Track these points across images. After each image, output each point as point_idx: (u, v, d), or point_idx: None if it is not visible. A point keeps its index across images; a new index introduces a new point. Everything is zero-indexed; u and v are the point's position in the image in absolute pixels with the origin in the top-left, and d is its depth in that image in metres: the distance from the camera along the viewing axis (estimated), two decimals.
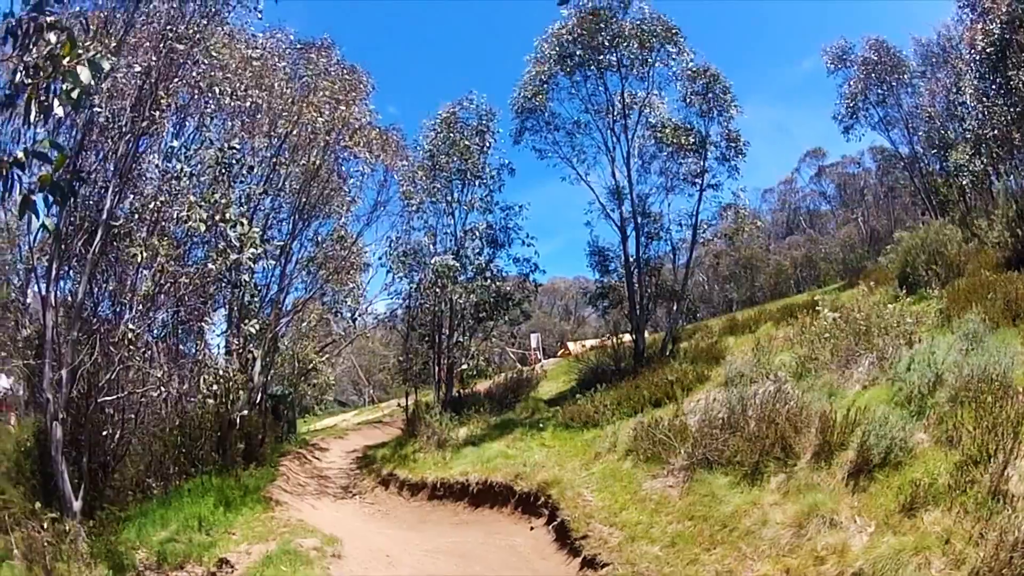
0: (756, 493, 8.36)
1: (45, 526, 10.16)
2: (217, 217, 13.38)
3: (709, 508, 8.57)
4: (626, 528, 9.11)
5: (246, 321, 15.19)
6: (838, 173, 63.47)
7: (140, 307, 13.20)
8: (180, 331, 16.16)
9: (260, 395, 18.78)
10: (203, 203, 13.41)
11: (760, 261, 54.64)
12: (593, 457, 12.41)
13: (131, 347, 12.35)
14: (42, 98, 4.19)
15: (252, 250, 13.77)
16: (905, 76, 30.80)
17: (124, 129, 12.53)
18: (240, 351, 15.35)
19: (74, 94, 4.11)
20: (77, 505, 11.24)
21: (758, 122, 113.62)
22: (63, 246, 12.05)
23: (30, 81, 4.17)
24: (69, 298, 12.89)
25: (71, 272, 13.08)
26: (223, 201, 13.67)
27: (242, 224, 13.74)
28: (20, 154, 4.29)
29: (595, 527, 9.53)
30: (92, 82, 4.17)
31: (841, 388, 10.53)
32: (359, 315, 21.49)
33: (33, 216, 4.26)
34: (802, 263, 54.25)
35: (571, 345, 38.58)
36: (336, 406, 41.75)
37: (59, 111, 4.25)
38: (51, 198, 4.31)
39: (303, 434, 25.44)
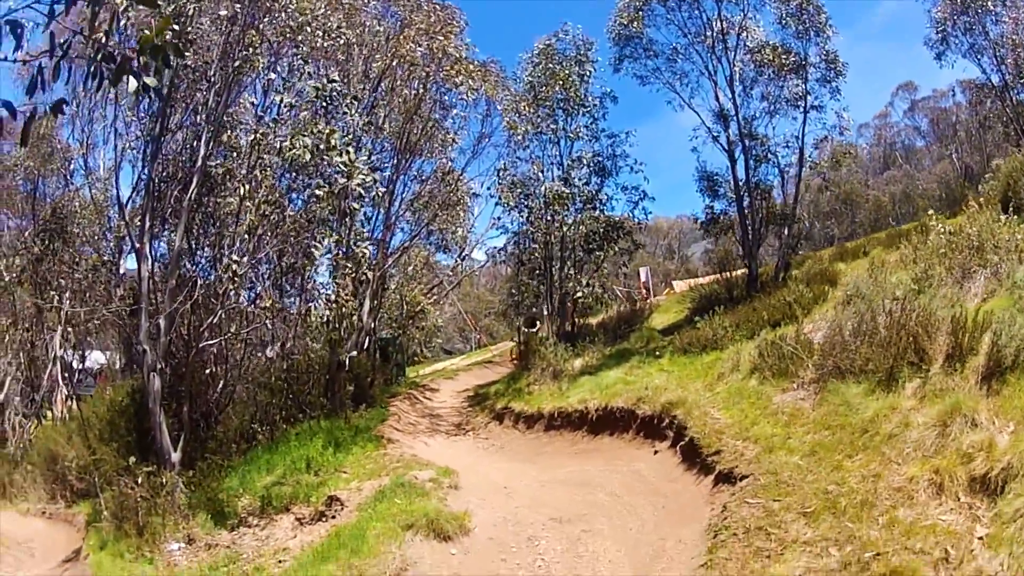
0: (893, 399, 8.24)
1: (140, 481, 10.37)
2: (322, 146, 13.22)
3: (845, 417, 8.45)
4: (761, 441, 8.99)
5: (358, 244, 14.87)
6: (930, 107, 60.77)
7: (241, 242, 13.25)
8: (284, 268, 16.12)
9: (368, 338, 19.06)
10: (306, 132, 13.37)
11: (859, 197, 52.93)
12: (716, 378, 12.29)
13: (235, 280, 12.33)
14: None
15: (361, 176, 13.66)
16: (988, 3, 29.29)
17: (212, 79, 12.72)
18: (352, 274, 14.75)
19: None
20: (176, 457, 11.50)
21: (850, 59, 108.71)
22: (155, 201, 12.32)
23: None
24: (165, 247, 13.18)
25: (165, 225, 13.29)
26: (327, 130, 13.53)
27: (348, 152, 13.59)
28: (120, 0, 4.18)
29: (728, 442, 9.43)
30: None
31: (960, 301, 10.29)
32: (468, 250, 21.58)
33: (131, 79, 3.89)
34: (900, 199, 52.43)
35: (676, 284, 38.07)
36: (443, 354, 41.98)
37: None
38: (153, 62, 3.99)
39: (411, 378, 25.78)
